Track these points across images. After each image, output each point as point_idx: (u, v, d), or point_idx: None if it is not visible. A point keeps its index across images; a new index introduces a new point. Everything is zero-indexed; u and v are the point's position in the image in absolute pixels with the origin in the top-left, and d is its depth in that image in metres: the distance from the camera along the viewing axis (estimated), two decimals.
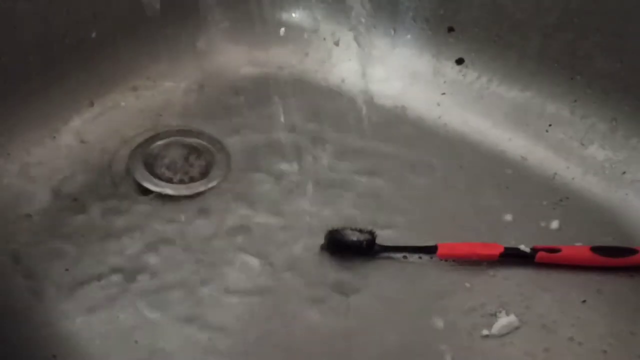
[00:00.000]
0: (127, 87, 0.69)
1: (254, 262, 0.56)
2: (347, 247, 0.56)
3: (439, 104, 0.70)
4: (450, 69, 0.70)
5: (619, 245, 0.57)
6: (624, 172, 0.62)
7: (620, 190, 0.61)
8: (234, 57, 0.74)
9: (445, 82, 0.70)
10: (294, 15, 0.75)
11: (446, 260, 0.56)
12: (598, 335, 0.52)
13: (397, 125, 0.68)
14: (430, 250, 0.56)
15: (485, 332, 0.52)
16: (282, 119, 0.68)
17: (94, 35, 0.63)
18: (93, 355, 0.50)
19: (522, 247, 0.56)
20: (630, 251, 0.56)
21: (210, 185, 0.62)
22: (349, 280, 0.55)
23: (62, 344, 0.50)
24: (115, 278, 0.54)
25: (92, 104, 0.66)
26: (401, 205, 0.61)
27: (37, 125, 0.62)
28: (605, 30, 0.61)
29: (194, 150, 0.65)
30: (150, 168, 0.63)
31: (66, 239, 0.56)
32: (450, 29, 0.69)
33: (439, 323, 0.52)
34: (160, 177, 0.62)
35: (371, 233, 0.56)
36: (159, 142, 0.65)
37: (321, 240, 0.56)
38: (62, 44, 0.62)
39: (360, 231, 0.56)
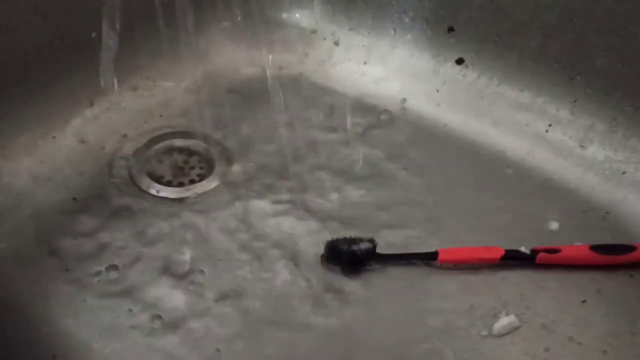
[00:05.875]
0: (127, 87, 0.69)
1: (254, 263, 0.56)
2: (347, 259, 0.55)
3: (439, 104, 0.70)
4: (450, 69, 0.70)
5: (619, 243, 0.57)
6: (624, 172, 0.62)
7: (620, 190, 0.61)
8: (234, 57, 0.74)
9: (445, 82, 0.70)
10: (294, 15, 0.75)
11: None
12: (598, 335, 0.52)
13: (397, 126, 0.68)
14: (431, 256, 0.56)
15: (485, 332, 0.52)
16: (282, 120, 0.68)
17: (94, 35, 0.63)
18: (93, 355, 0.50)
19: (523, 249, 0.56)
20: (630, 248, 0.56)
21: (210, 186, 0.62)
22: (348, 282, 0.55)
23: (62, 344, 0.50)
24: (115, 278, 0.54)
25: (92, 104, 0.66)
26: (401, 205, 0.61)
27: (37, 125, 0.62)
28: (605, 30, 0.61)
29: (193, 150, 0.65)
30: (150, 169, 0.63)
31: (66, 238, 0.56)
32: (450, 29, 0.69)
33: (439, 323, 0.52)
34: (159, 178, 0.63)
35: (371, 241, 0.55)
36: (159, 143, 0.65)
37: (321, 242, 0.56)
38: (62, 44, 0.62)
39: (361, 240, 0.55)
